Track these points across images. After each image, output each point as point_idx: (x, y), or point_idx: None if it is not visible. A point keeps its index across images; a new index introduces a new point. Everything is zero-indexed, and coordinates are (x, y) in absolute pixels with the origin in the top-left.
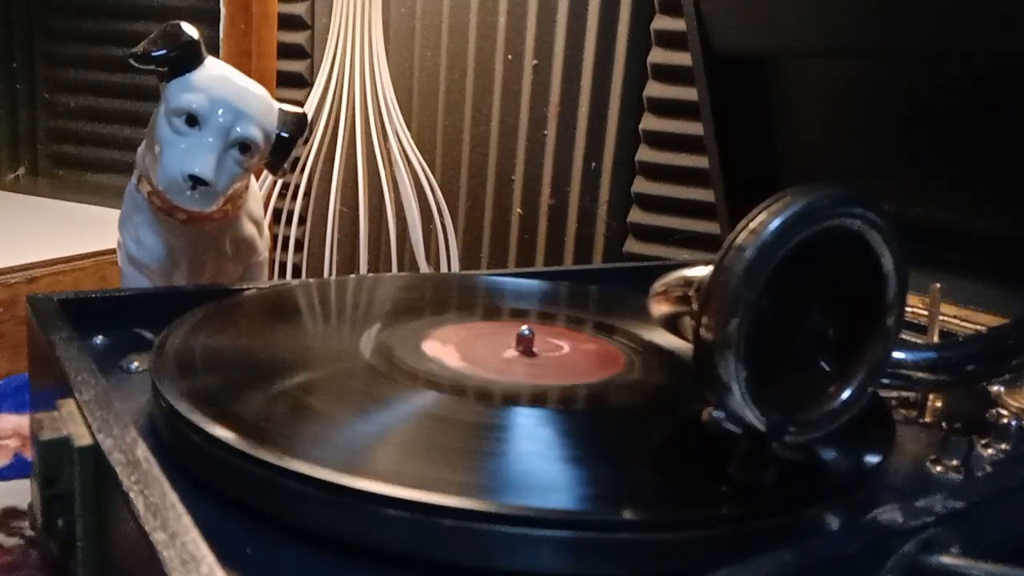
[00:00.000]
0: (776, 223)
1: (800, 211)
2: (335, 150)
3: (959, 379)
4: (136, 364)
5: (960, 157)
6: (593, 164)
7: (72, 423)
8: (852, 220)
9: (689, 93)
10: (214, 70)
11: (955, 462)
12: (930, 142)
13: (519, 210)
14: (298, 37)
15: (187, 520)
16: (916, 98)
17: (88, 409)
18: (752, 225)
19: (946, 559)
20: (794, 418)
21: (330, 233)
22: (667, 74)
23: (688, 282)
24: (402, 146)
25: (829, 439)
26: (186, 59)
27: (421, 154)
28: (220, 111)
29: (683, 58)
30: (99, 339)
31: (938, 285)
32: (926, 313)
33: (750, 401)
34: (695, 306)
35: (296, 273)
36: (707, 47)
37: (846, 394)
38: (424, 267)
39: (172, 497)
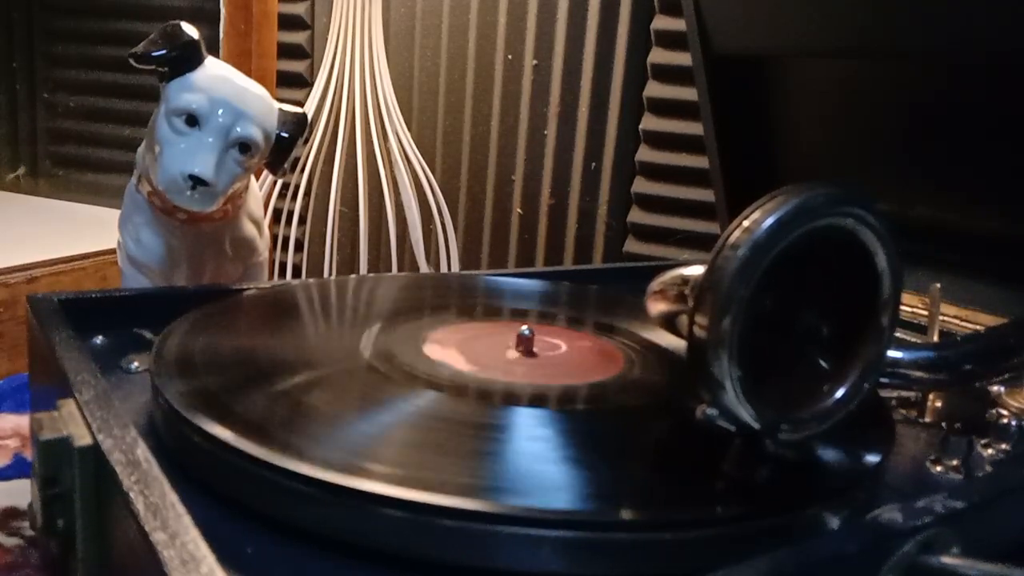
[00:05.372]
0: (770, 221)
1: (794, 210)
2: (335, 150)
3: (957, 378)
4: (136, 364)
5: (960, 157)
6: (593, 164)
7: (72, 423)
8: (846, 219)
9: (689, 93)
10: (214, 70)
11: (955, 462)
12: (930, 142)
13: (519, 210)
14: (298, 37)
15: (187, 520)
16: (916, 98)
17: (88, 409)
18: (746, 224)
19: (946, 559)
20: (788, 416)
21: (330, 233)
22: (667, 74)
23: (684, 280)
24: (402, 146)
25: (827, 437)
26: (186, 59)
27: (421, 154)
28: (220, 111)
29: (683, 58)
30: (99, 339)
31: (938, 285)
32: (926, 313)
33: (743, 399)
34: (691, 304)
35: (296, 273)
36: (707, 47)
37: (840, 392)
38: (424, 267)
39: (172, 497)
